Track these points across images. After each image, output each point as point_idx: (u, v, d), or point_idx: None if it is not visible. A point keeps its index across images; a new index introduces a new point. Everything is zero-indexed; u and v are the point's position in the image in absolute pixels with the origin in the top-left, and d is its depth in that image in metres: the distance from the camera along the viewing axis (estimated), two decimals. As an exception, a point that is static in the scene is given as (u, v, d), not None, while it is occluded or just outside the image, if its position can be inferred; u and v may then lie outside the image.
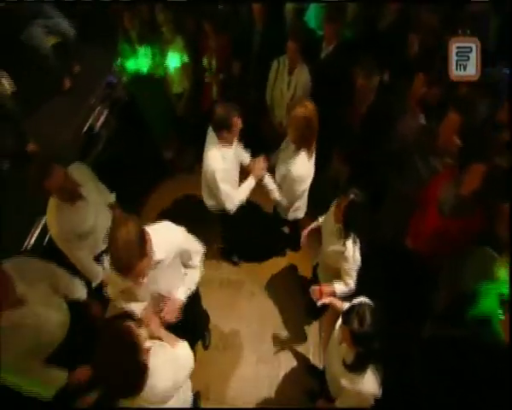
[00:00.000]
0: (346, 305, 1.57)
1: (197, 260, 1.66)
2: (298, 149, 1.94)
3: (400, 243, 2.06)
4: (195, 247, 1.65)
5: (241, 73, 2.76)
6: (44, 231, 2.25)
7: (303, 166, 1.96)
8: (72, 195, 1.74)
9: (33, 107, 3.01)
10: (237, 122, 1.87)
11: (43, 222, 2.28)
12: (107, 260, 1.36)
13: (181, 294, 1.59)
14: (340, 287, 1.80)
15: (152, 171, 3.27)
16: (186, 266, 1.64)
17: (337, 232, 1.73)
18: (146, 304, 1.55)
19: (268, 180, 2.13)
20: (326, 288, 1.81)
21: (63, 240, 1.79)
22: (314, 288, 1.83)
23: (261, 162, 2.08)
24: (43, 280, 1.56)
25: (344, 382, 1.41)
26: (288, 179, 1.99)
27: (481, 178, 1.57)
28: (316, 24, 2.59)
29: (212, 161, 1.92)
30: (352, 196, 1.60)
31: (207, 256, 2.60)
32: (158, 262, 1.38)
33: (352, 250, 1.72)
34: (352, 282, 1.79)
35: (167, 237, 1.44)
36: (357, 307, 1.33)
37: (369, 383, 1.35)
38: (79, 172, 1.85)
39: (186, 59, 2.66)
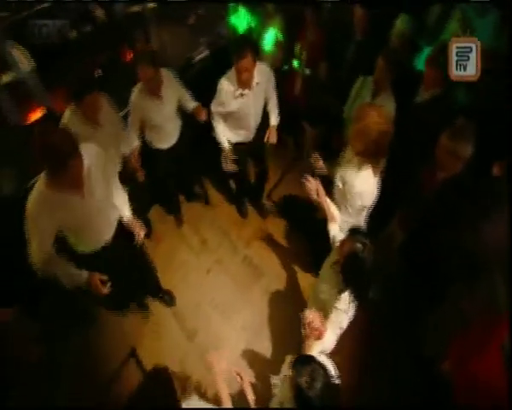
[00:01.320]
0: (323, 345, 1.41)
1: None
2: (362, 162, 1.68)
3: (434, 364, 1.70)
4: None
5: (326, 75, 2.65)
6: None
7: (366, 182, 1.69)
8: (154, 89, 2.12)
9: (161, 26, 3.66)
10: (244, 61, 1.86)
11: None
12: None
13: (125, 211, 1.79)
14: (329, 336, 1.47)
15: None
16: None
17: (335, 274, 1.49)
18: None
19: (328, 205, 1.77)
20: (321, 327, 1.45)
21: (133, 111, 2.22)
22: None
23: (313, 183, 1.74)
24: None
25: None
26: (347, 195, 1.75)
27: None
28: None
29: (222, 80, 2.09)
30: (357, 244, 1.32)
31: (245, 230, 2.93)
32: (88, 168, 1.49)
33: (346, 307, 1.44)
34: (332, 341, 1.49)
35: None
36: (315, 366, 1.10)
37: None
38: (168, 76, 2.22)
39: (280, 38, 2.68)
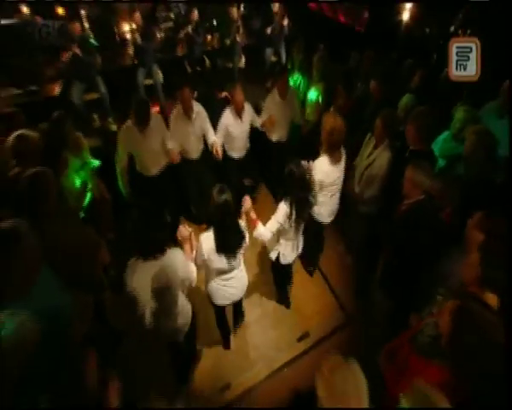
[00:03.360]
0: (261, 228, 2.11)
1: None
2: (324, 152, 2.42)
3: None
4: None
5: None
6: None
7: (321, 163, 2.42)
8: (239, 111, 3.11)
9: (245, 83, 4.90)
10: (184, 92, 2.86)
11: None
12: None
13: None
14: (260, 227, 2.18)
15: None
16: None
17: None
18: None
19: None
20: (254, 216, 2.14)
21: (222, 123, 3.17)
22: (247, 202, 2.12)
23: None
24: None
25: None
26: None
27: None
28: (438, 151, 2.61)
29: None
30: (291, 164, 2.06)
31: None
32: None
33: (282, 208, 2.14)
34: (266, 230, 2.17)
35: None
36: (227, 194, 1.85)
37: None
38: (248, 106, 3.24)
39: (320, 101, 3.54)
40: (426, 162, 2.13)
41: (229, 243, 1.94)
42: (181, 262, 1.74)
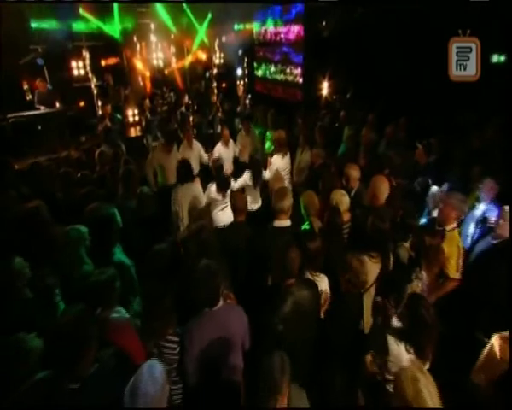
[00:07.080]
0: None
1: None
2: (276, 151, 4.30)
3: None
4: None
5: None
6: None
7: (276, 158, 4.22)
8: (226, 143, 5.10)
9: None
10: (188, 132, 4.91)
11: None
12: None
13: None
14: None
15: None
16: None
17: None
18: None
19: None
20: None
21: (216, 150, 5.10)
22: None
23: None
24: None
25: None
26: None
27: None
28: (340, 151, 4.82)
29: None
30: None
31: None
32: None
33: (246, 173, 3.83)
34: (236, 183, 3.79)
35: None
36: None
37: None
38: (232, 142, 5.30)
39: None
40: (323, 146, 4.20)
41: (222, 185, 3.53)
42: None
